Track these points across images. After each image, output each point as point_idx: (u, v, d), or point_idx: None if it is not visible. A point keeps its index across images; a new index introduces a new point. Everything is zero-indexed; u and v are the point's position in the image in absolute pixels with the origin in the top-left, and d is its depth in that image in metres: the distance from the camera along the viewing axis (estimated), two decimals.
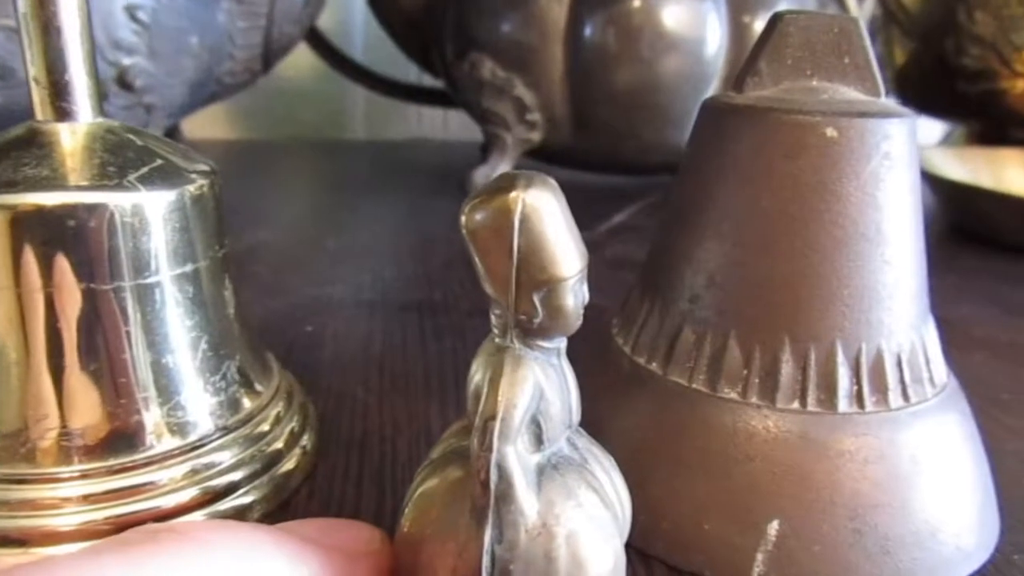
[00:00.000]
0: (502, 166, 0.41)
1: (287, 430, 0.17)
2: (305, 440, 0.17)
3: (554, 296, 0.11)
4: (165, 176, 0.15)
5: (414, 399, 0.21)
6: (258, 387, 0.17)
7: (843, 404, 0.15)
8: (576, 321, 0.11)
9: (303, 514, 0.16)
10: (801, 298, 0.15)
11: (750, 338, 0.15)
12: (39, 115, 0.15)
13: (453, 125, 0.60)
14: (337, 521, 0.13)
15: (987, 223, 0.38)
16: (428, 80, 0.52)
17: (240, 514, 0.15)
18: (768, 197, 0.15)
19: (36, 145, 0.14)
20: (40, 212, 0.13)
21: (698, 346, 0.16)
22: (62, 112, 0.15)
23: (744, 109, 0.16)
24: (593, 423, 0.13)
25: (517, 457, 0.11)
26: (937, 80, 0.51)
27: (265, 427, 0.17)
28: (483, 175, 0.41)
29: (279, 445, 0.17)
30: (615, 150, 0.41)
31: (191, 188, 0.15)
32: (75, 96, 0.15)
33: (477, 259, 0.11)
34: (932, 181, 0.40)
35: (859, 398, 0.15)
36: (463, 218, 0.11)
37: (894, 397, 0.15)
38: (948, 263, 0.36)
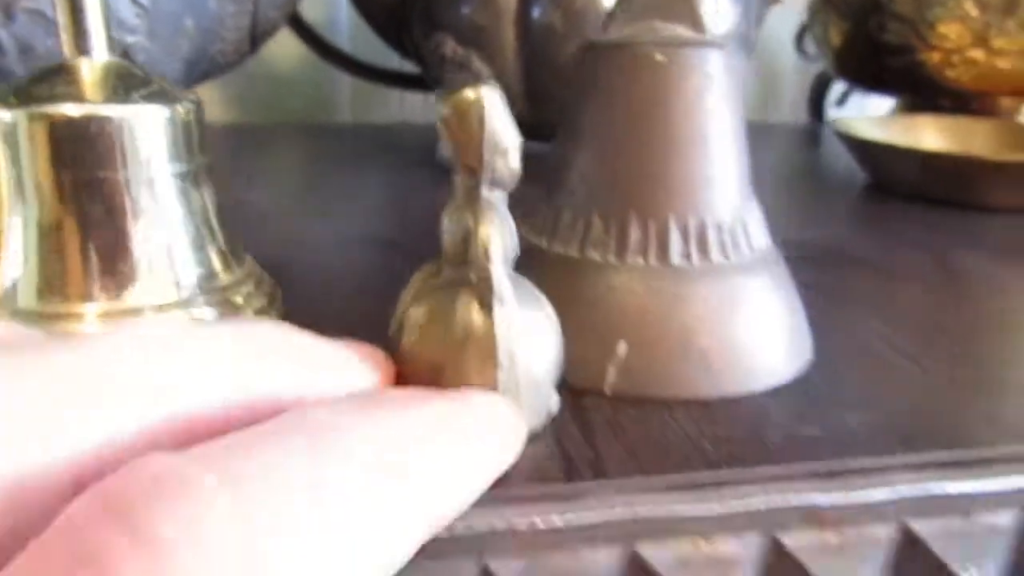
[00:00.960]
0: None
1: (257, 303, 0.22)
2: (273, 310, 0.22)
3: (510, 157, 0.16)
4: (161, 97, 0.20)
5: (377, 302, 0.26)
6: (233, 269, 0.22)
7: (675, 260, 0.20)
8: (518, 177, 0.16)
9: None
10: (643, 185, 0.20)
11: (607, 215, 0.20)
12: (66, 54, 0.20)
13: (433, 109, 0.65)
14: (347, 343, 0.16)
15: (900, 179, 0.43)
16: (409, 67, 0.57)
17: None
18: (618, 111, 0.20)
19: (65, 73, 0.19)
20: (69, 119, 0.18)
21: (572, 224, 0.21)
22: (83, 51, 0.20)
23: (601, 45, 0.21)
24: None
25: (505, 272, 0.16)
26: (868, 57, 0.55)
27: (239, 299, 0.21)
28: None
29: (249, 313, 0.21)
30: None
31: (180, 108, 0.20)
32: (92, 40, 0.20)
33: (456, 135, 0.15)
34: (853, 145, 0.45)
35: (687, 256, 0.20)
36: (445, 108, 0.15)
37: (715, 255, 0.20)
38: (873, 216, 0.40)
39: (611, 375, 0.19)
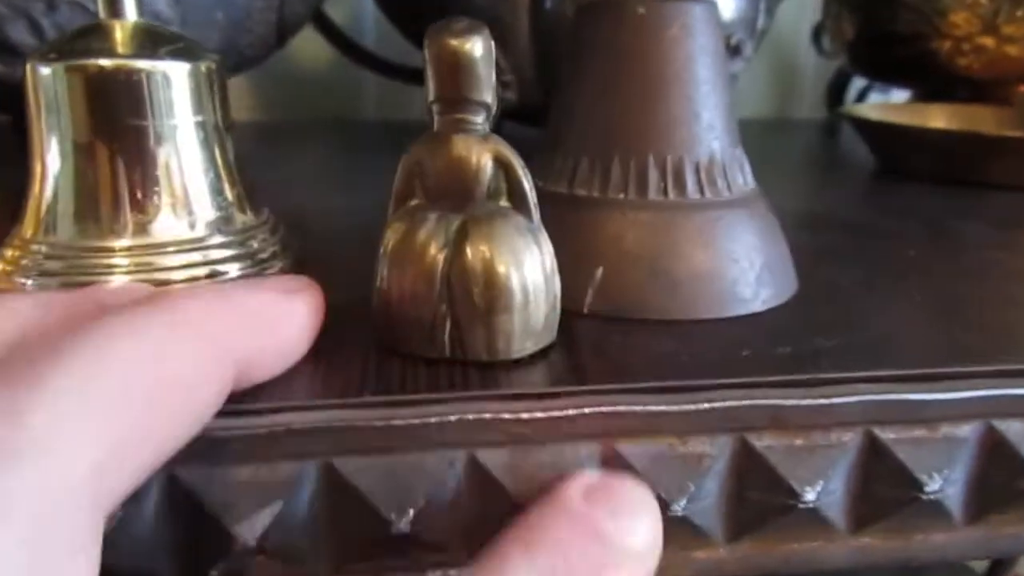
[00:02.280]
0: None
1: (272, 249, 0.24)
2: (285, 256, 0.24)
3: (496, 87, 0.17)
4: (186, 53, 0.22)
5: None
6: (250, 214, 0.24)
7: (652, 195, 0.21)
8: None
9: None
10: (625, 127, 0.21)
11: (593, 156, 0.22)
12: (102, 15, 0.22)
13: None
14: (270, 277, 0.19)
15: (906, 160, 0.44)
16: None
17: None
18: (604, 60, 0.22)
19: (100, 31, 0.21)
20: (102, 70, 0.20)
21: (563, 165, 0.22)
22: (116, 13, 0.22)
23: (593, 3, 0.22)
24: None
25: None
26: (881, 48, 0.56)
27: (254, 244, 0.23)
28: None
29: (264, 255, 0.23)
30: None
31: (203, 63, 0.22)
32: (124, 5, 0.22)
33: (462, 69, 0.17)
34: (860, 128, 0.46)
35: (664, 191, 0.21)
36: (452, 43, 0.17)
37: (692, 192, 0.21)
38: (875, 193, 0.41)
39: (589, 296, 0.20)
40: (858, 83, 0.73)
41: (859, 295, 0.23)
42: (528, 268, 0.18)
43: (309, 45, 0.52)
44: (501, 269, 0.17)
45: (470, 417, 0.16)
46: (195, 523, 0.16)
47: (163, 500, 0.16)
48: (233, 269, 0.22)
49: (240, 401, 0.16)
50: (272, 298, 0.17)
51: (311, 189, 0.40)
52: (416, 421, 0.16)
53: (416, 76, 0.60)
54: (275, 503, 0.16)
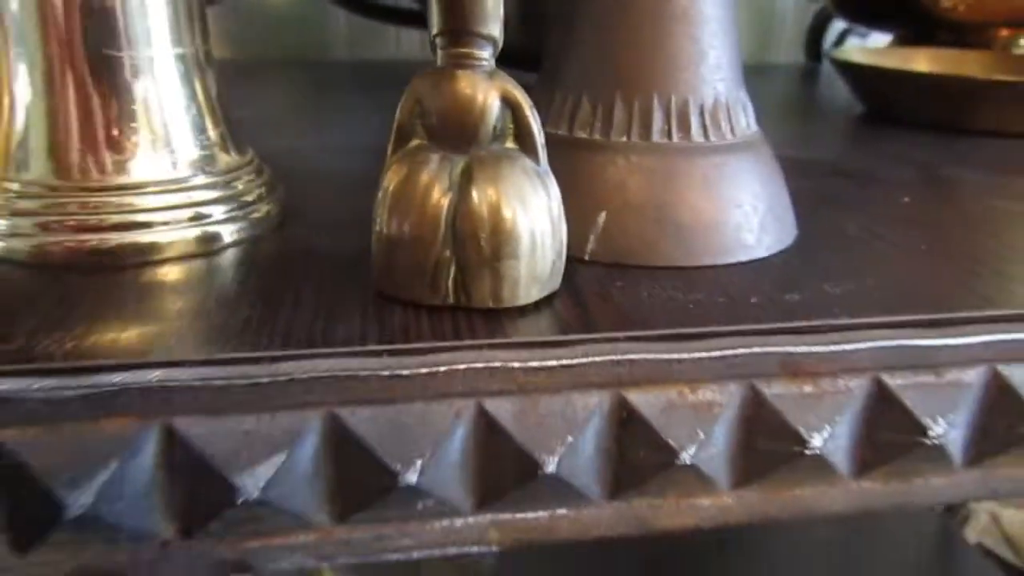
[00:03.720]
0: None
1: (257, 192, 0.23)
2: (272, 200, 0.23)
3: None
4: None
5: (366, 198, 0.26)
6: (234, 155, 0.22)
7: (656, 137, 0.20)
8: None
9: (271, 247, 0.21)
10: (629, 64, 0.20)
11: (594, 96, 0.21)
12: None
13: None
14: None
15: (894, 104, 0.43)
16: (406, 3, 0.57)
17: (213, 238, 0.21)
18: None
19: None
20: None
21: (562, 105, 0.21)
22: None
23: None
24: None
25: None
26: None
27: (239, 185, 0.22)
28: None
29: (250, 198, 0.22)
30: None
31: None
32: None
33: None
34: (848, 72, 0.45)
35: (668, 134, 0.20)
36: None
37: (696, 135, 0.20)
38: (865, 138, 0.41)
39: (591, 243, 0.20)
40: (836, 27, 0.73)
41: (862, 241, 0.23)
42: (535, 213, 0.17)
43: None
44: (508, 214, 0.17)
45: (478, 366, 0.16)
46: (194, 476, 0.15)
47: (160, 453, 0.15)
48: (218, 212, 0.21)
49: (238, 349, 0.15)
50: None
51: (286, 129, 0.39)
52: (423, 370, 0.16)
53: (388, 14, 0.58)
54: (278, 454, 0.15)
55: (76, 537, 0.15)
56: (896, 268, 0.21)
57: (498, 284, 0.17)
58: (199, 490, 0.15)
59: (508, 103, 0.17)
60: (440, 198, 0.17)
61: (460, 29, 0.16)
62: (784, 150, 0.35)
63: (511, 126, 0.17)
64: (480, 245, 0.17)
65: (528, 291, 0.17)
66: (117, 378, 0.14)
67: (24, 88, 0.19)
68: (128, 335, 0.16)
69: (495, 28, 0.16)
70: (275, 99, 0.50)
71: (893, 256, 0.22)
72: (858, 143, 0.40)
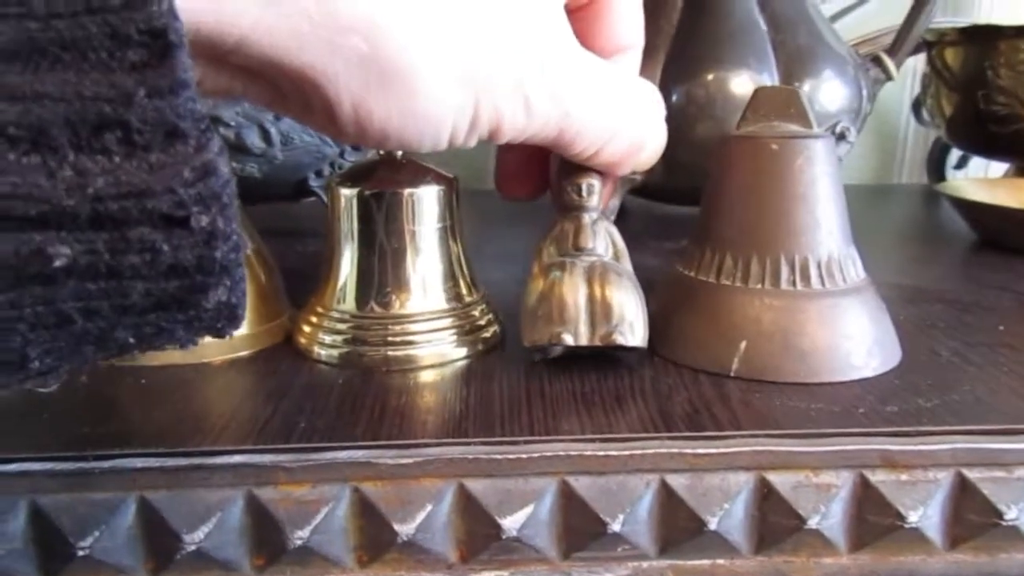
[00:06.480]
0: (614, 200, 0.55)
1: (486, 318, 0.31)
2: (496, 326, 0.32)
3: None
4: (437, 180, 0.30)
5: None
6: (474, 295, 0.31)
7: (783, 285, 0.27)
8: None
9: (498, 360, 0.30)
10: (762, 231, 0.28)
11: (736, 253, 0.28)
12: (381, 155, 0.30)
13: None
14: None
15: (1004, 235, 0.48)
16: None
17: (456, 352, 0.30)
18: (746, 181, 0.29)
19: (383, 164, 0.30)
20: (381, 195, 0.29)
21: (711, 259, 0.29)
22: (392, 153, 0.30)
23: (735, 137, 0.29)
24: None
25: None
26: (977, 126, 0.61)
27: (475, 314, 0.31)
28: (612, 207, 0.55)
29: (482, 323, 0.31)
30: (694, 187, 0.54)
31: (445, 188, 0.30)
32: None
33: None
34: (958, 205, 0.51)
35: (793, 283, 0.28)
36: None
37: (815, 283, 0.28)
38: (971, 266, 0.46)
39: (735, 364, 0.27)
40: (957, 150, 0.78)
41: (954, 364, 0.29)
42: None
43: None
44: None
45: (662, 451, 0.23)
46: (473, 518, 0.23)
47: (456, 501, 0.23)
48: (460, 333, 0.30)
49: (498, 434, 0.23)
50: None
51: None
52: (625, 453, 0.23)
53: None
54: (527, 506, 0.23)
55: None
56: (978, 387, 0.27)
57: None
58: (476, 529, 0.23)
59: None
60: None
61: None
62: (896, 277, 0.42)
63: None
64: None
65: None
66: (434, 452, 0.23)
67: (345, 249, 0.29)
68: (434, 418, 0.24)
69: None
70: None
71: (977, 377, 0.28)
72: (966, 271, 0.45)
